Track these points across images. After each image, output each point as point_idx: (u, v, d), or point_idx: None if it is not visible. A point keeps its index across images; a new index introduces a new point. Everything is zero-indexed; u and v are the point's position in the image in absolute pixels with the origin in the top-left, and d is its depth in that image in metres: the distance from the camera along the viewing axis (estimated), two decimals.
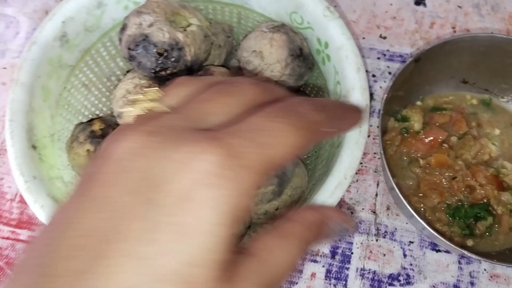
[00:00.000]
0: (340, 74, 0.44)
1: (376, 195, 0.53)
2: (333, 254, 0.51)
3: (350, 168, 0.40)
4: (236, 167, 0.18)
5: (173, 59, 0.42)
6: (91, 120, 0.46)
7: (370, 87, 0.58)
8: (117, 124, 0.45)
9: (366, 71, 0.59)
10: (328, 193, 0.39)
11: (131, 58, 0.42)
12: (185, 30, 0.42)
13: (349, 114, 0.25)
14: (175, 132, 0.19)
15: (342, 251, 0.51)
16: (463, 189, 0.50)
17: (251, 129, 0.19)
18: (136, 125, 0.20)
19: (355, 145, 0.40)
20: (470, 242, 0.49)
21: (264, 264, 0.20)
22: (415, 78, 0.52)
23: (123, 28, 0.43)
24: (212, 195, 0.18)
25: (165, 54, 0.41)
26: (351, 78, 0.43)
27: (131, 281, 0.16)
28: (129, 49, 0.41)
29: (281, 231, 0.22)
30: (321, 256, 0.50)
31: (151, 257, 0.17)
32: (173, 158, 0.18)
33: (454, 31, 0.61)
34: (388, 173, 0.46)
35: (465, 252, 0.42)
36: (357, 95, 0.42)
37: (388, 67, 0.59)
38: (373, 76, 0.58)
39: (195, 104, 0.21)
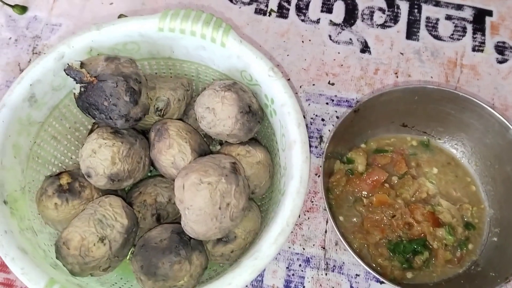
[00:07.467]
0: (284, 128, 0.49)
1: (326, 231, 0.58)
2: (287, 287, 0.55)
3: (292, 216, 0.44)
4: None
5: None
6: (60, 173, 0.50)
7: (319, 130, 0.63)
8: (84, 178, 0.49)
9: (316, 115, 0.64)
10: (272, 239, 0.43)
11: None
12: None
13: None
14: None
15: (295, 285, 0.55)
16: (402, 226, 0.55)
17: None
18: None
19: (296, 194, 0.45)
20: (409, 275, 0.54)
21: None
22: (356, 125, 0.57)
23: None
24: None
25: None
26: (293, 132, 0.48)
27: None
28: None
29: None
30: None
31: None
32: None
33: (397, 76, 0.67)
34: (329, 213, 0.51)
35: (396, 287, 0.47)
36: (298, 148, 0.47)
37: (336, 111, 0.64)
38: (322, 120, 0.64)
39: None
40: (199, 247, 0.48)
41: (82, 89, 0.48)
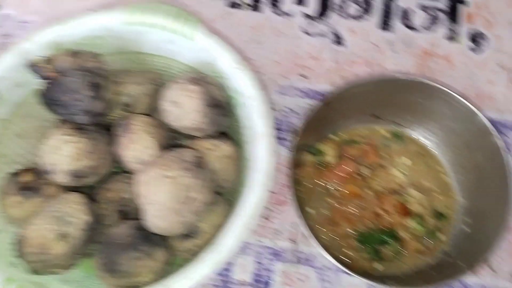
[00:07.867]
0: (251, 120, 0.49)
1: (296, 224, 0.58)
2: (256, 281, 0.55)
3: (255, 208, 0.44)
4: None
5: None
6: (21, 171, 0.49)
7: (291, 123, 0.63)
8: (47, 175, 0.48)
9: (289, 108, 0.63)
10: (234, 233, 0.43)
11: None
12: None
13: None
14: None
15: (264, 279, 0.55)
16: (373, 217, 0.55)
17: None
18: None
19: (260, 187, 0.45)
20: (379, 266, 0.54)
21: None
22: (327, 117, 0.57)
23: None
24: None
25: None
26: (259, 124, 0.48)
27: None
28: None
29: None
30: (243, 284, 0.55)
31: None
32: None
33: (370, 68, 0.66)
34: (296, 205, 0.50)
35: (364, 279, 0.47)
36: (264, 140, 0.47)
37: (309, 104, 0.64)
38: (295, 113, 0.63)
39: None
40: (162, 243, 0.47)
41: (46, 85, 0.48)
